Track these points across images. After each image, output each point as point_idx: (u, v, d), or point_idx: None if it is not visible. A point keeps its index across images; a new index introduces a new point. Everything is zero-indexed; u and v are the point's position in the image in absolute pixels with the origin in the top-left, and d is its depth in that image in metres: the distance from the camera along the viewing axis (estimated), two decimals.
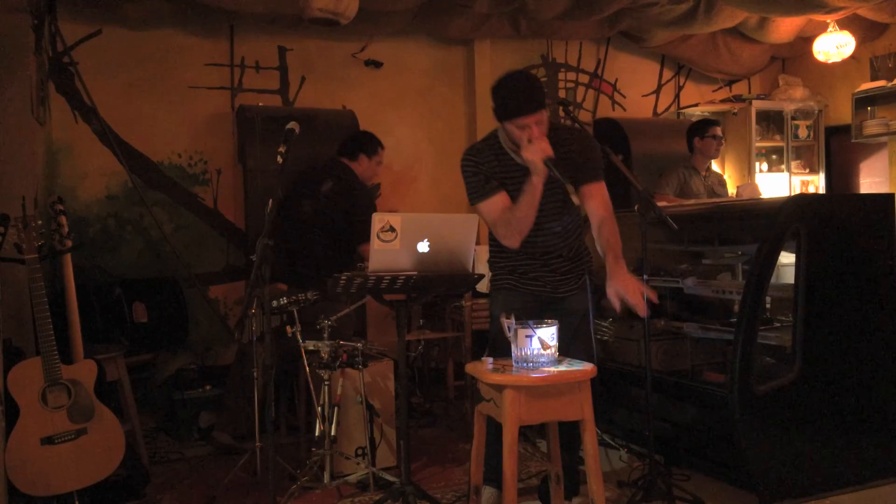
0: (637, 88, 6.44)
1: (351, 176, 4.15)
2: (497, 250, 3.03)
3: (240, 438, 3.91)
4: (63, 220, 3.26)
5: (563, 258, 2.98)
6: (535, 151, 2.69)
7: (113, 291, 4.29)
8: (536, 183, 2.74)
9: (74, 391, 3.01)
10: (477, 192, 2.88)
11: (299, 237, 4.05)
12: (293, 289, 3.67)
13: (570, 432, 2.83)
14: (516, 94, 2.72)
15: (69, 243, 3.28)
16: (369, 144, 4.26)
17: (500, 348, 2.75)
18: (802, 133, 6.44)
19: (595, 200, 2.89)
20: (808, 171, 6.50)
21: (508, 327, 2.58)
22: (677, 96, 6.59)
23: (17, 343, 3.37)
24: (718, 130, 4.95)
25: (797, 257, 3.15)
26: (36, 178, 3.99)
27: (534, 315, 2.69)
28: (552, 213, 2.91)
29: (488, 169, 2.87)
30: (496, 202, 2.85)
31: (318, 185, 4.09)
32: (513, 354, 2.59)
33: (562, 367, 2.56)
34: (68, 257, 3.29)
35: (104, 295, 4.27)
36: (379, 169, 4.37)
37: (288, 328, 3.50)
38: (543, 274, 2.97)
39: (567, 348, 2.76)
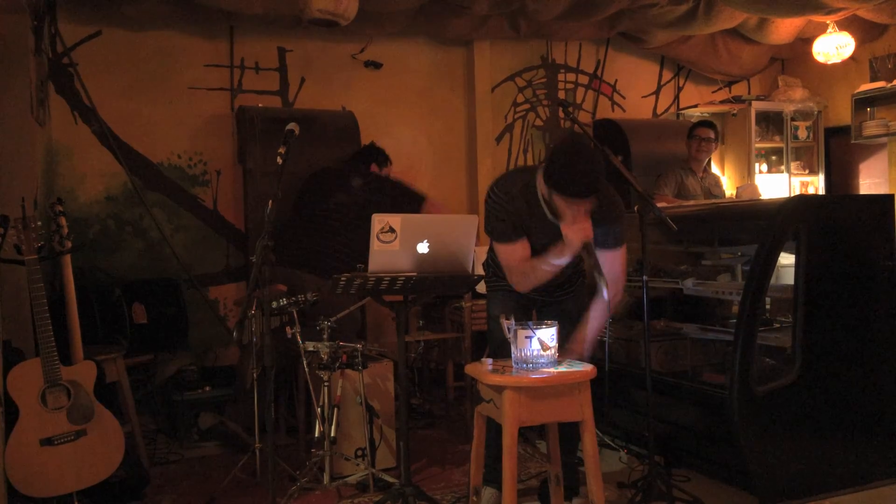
0: (637, 89, 6.44)
1: (374, 174, 4.50)
2: (495, 258, 3.02)
3: (247, 431, 3.94)
4: (63, 221, 3.26)
5: (564, 272, 2.96)
6: (577, 233, 2.61)
7: (112, 292, 4.29)
8: (566, 257, 2.69)
9: (74, 392, 3.01)
10: (500, 235, 2.80)
11: (328, 226, 4.24)
12: (316, 277, 3.93)
13: (567, 432, 2.84)
14: (576, 177, 2.55)
15: (69, 244, 3.28)
16: (380, 156, 4.61)
17: (501, 349, 2.75)
18: (802, 134, 6.44)
19: (610, 268, 2.77)
20: (807, 171, 6.51)
21: (508, 328, 2.58)
22: (677, 97, 6.59)
23: (17, 344, 3.37)
24: (705, 132, 4.94)
25: (797, 258, 3.15)
26: (35, 179, 3.99)
27: (530, 314, 2.69)
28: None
29: (517, 217, 2.76)
30: (516, 249, 2.79)
31: (346, 180, 4.37)
32: (512, 355, 2.59)
33: (561, 368, 2.56)
34: (68, 258, 3.29)
35: (104, 296, 4.27)
36: None
37: (288, 329, 3.50)
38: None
39: (559, 348, 2.78)
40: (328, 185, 4.42)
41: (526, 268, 2.79)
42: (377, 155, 4.60)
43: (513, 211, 2.76)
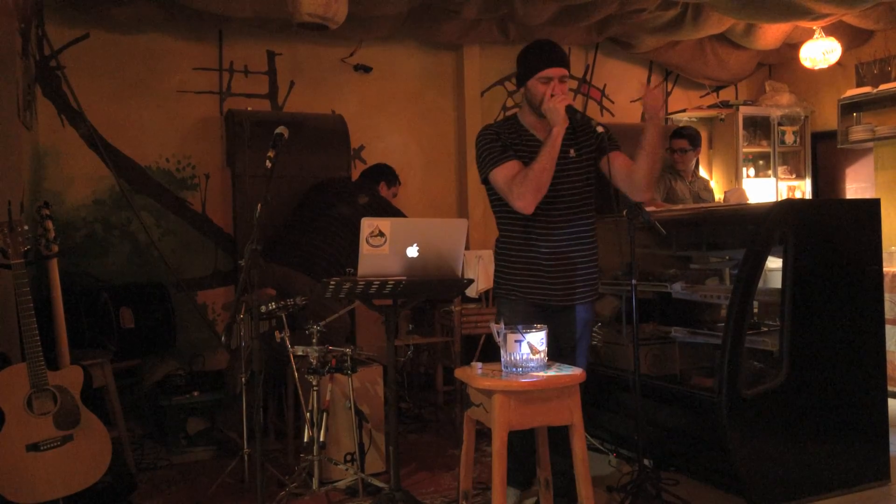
0: (625, 94, 6.47)
1: (381, 196, 4.61)
2: (504, 248, 2.98)
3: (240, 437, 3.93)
4: (49, 224, 3.24)
5: (579, 249, 2.94)
6: (558, 101, 2.77)
7: (100, 297, 4.26)
8: (556, 133, 2.77)
9: (60, 397, 2.98)
10: (494, 158, 2.86)
11: (328, 232, 4.29)
12: (305, 277, 3.98)
13: (563, 437, 2.83)
14: (543, 50, 2.86)
15: (56, 248, 3.25)
16: (390, 176, 4.77)
17: None
18: (789, 139, 6.50)
19: (621, 158, 2.95)
20: (794, 176, 6.56)
21: (497, 332, 2.58)
22: (665, 102, 6.62)
23: (3, 349, 3.34)
24: (677, 143, 4.89)
25: (784, 262, 3.17)
26: (22, 182, 3.97)
27: (543, 321, 2.68)
28: (571, 188, 2.93)
29: (507, 139, 2.89)
30: (512, 166, 2.84)
31: (354, 196, 4.48)
32: (502, 359, 2.59)
33: (551, 372, 2.57)
34: (55, 262, 3.27)
35: (91, 300, 4.24)
36: (393, 201, 4.76)
37: (276, 333, 3.49)
38: (553, 276, 2.91)
39: (570, 356, 2.82)
40: (334, 195, 4.49)
41: (524, 172, 2.80)
42: (387, 174, 4.74)
43: (502, 133, 2.91)
